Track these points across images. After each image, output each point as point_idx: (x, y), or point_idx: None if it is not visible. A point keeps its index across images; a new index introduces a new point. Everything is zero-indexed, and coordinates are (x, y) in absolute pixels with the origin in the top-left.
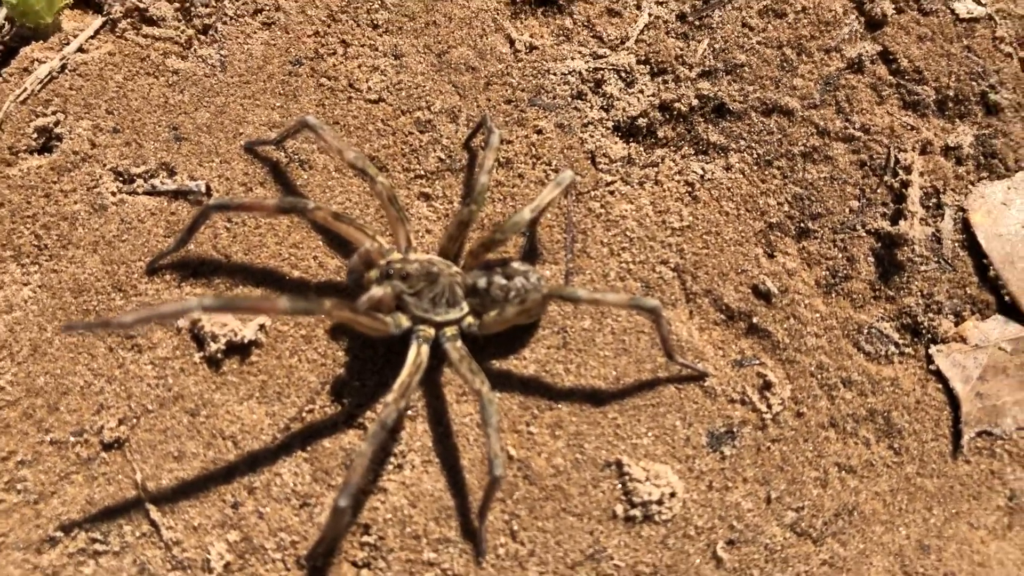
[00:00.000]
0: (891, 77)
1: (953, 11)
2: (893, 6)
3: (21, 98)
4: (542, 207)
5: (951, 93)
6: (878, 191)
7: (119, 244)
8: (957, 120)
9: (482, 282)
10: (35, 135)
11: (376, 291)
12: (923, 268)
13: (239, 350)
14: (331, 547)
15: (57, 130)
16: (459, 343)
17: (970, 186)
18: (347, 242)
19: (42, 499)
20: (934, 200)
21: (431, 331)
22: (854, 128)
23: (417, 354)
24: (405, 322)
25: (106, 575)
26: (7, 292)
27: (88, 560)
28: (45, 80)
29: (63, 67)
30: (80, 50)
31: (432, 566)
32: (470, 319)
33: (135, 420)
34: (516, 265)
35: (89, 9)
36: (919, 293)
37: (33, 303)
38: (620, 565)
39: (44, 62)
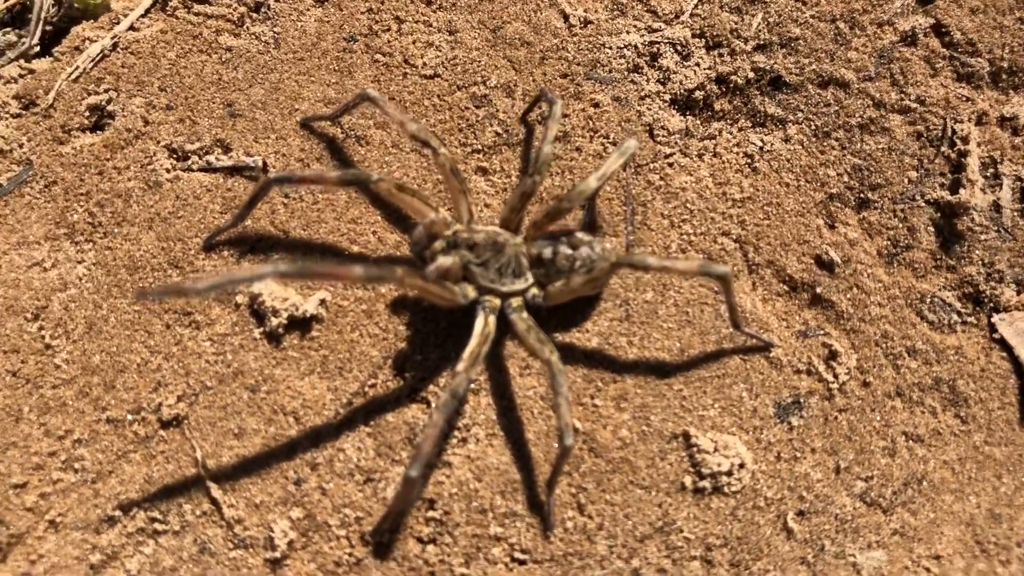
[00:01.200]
0: (944, 49)
1: None
2: None
3: (73, 77)
4: (607, 175)
5: (1005, 64)
6: (935, 161)
7: (175, 221)
8: (1011, 91)
9: (547, 252)
10: (87, 113)
11: (444, 260)
12: (983, 237)
13: (300, 325)
14: (397, 522)
15: (110, 108)
16: (524, 313)
17: None
18: (405, 217)
19: (100, 478)
20: (991, 170)
21: (496, 301)
22: (910, 100)
23: (485, 324)
24: (471, 292)
25: (166, 555)
26: (61, 270)
27: (147, 540)
28: (97, 58)
29: (114, 45)
30: (131, 28)
31: (499, 540)
32: (535, 290)
33: (194, 397)
34: (580, 235)
35: None
36: (980, 262)
37: (88, 280)
38: (690, 537)
39: (95, 41)
